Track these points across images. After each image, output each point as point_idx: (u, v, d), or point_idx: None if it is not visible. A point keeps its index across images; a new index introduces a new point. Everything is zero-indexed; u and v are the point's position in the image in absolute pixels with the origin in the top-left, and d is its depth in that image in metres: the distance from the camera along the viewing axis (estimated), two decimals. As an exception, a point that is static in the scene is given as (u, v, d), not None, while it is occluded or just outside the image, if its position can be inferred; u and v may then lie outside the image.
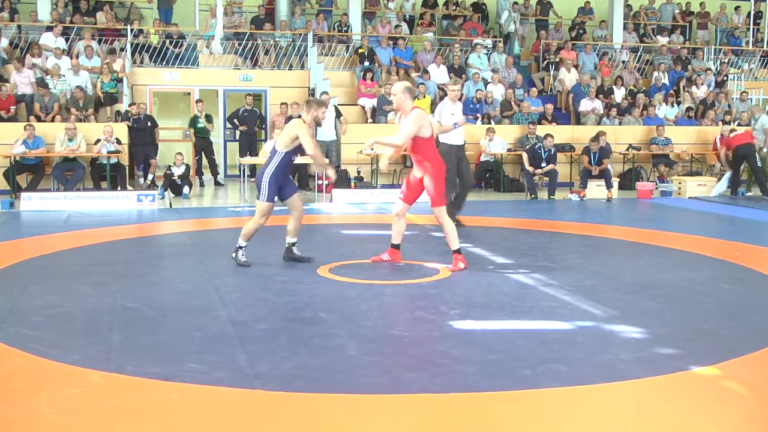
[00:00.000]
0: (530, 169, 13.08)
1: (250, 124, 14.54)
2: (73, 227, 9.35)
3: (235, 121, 14.66)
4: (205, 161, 14.52)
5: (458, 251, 6.74)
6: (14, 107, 13.30)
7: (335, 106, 14.03)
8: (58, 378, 3.93)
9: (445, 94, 15.44)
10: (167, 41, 15.59)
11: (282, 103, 14.23)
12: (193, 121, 14.33)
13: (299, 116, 13.36)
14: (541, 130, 14.12)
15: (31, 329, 4.80)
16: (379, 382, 3.93)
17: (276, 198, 6.71)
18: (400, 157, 14.03)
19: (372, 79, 15.34)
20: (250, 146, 14.19)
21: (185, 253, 7.68)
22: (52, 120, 13.24)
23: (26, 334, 4.69)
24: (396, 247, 7.00)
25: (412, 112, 6.53)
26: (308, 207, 11.52)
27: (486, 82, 15.98)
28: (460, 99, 9.32)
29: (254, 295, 5.74)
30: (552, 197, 12.91)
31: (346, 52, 16.69)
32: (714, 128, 15.95)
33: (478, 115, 15.17)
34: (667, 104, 16.61)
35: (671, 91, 17.15)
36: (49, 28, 15.10)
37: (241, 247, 6.76)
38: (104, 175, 12.36)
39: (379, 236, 8.82)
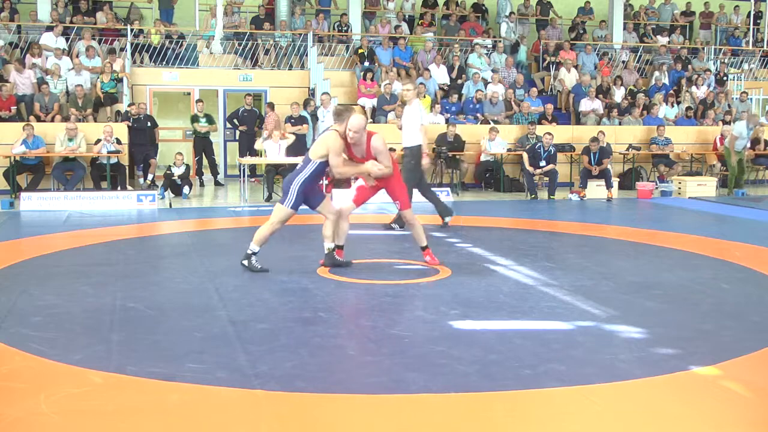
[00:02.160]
0: (530, 169, 13.08)
1: (249, 124, 14.54)
2: (73, 227, 9.35)
3: (235, 121, 14.66)
4: (205, 161, 14.52)
5: (427, 247, 6.83)
6: (15, 107, 13.30)
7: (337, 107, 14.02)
8: (58, 378, 3.93)
9: (446, 95, 15.62)
10: (167, 41, 15.59)
11: (268, 103, 14.30)
12: (194, 119, 14.35)
13: (300, 116, 13.59)
14: (541, 129, 14.13)
15: (31, 329, 4.80)
16: (379, 382, 3.93)
17: (300, 207, 6.46)
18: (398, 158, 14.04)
19: (372, 79, 15.34)
20: (249, 146, 14.18)
21: (185, 253, 7.67)
22: (52, 120, 13.25)
23: (26, 334, 4.69)
24: (340, 248, 6.82)
25: (376, 141, 6.48)
26: (307, 207, 11.51)
27: (486, 82, 15.98)
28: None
29: (254, 295, 5.74)
30: (552, 197, 12.90)
31: (346, 52, 16.69)
32: (714, 128, 15.97)
33: (479, 115, 15.18)
34: (667, 104, 16.62)
35: (671, 91, 17.16)
36: (50, 28, 15.10)
37: (254, 253, 6.46)
38: (104, 175, 12.36)
39: (379, 236, 8.84)
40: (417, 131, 8.82)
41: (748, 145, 14.40)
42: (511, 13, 18.48)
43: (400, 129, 9.25)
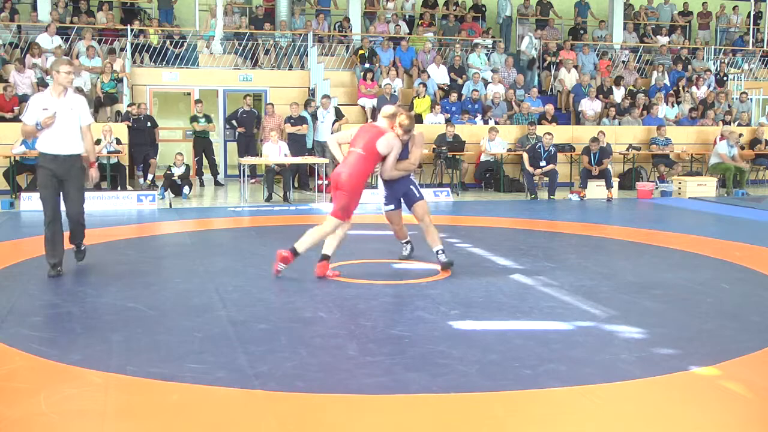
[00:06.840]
0: (530, 169, 13.08)
1: (248, 125, 14.53)
2: (73, 227, 9.33)
3: (233, 122, 14.64)
4: (205, 161, 14.51)
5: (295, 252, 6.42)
6: (17, 107, 13.29)
7: (336, 108, 14.03)
8: (58, 378, 3.93)
9: (446, 95, 15.60)
10: (167, 41, 15.59)
11: (268, 104, 14.42)
12: (193, 119, 14.35)
13: (300, 116, 13.57)
14: (541, 130, 14.13)
15: (31, 329, 4.80)
16: (379, 382, 3.93)
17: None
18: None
19: (372, 80, 15.33)
20: (248, 147, 14.21)
21: (185, 253, 7.67)
22: (52, 120, 13.22)
23: (26, 334, 4.69)
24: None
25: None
26: (308, 207, 11.53)
27: (486, 82, 15.96)
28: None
29: (254, 295, 5.74)
30: (552, 197, 12.90)
31: (346, 53, 16.69)
32: (714, 128, 15.97)
33: (478, 114, 15.17)
34: (667, 104, 16.61)
35: (671, 91, 17.15)
36: (47, 29, 15.09)
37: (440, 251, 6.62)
38: (104, 175, 12.35)
39: (379, 236, 8.83)
40: (80, 135, 6.59)
41: (736, 152, 14.50)
42: (537, 29, 18.40)
43: (44, 129, 6.37)
